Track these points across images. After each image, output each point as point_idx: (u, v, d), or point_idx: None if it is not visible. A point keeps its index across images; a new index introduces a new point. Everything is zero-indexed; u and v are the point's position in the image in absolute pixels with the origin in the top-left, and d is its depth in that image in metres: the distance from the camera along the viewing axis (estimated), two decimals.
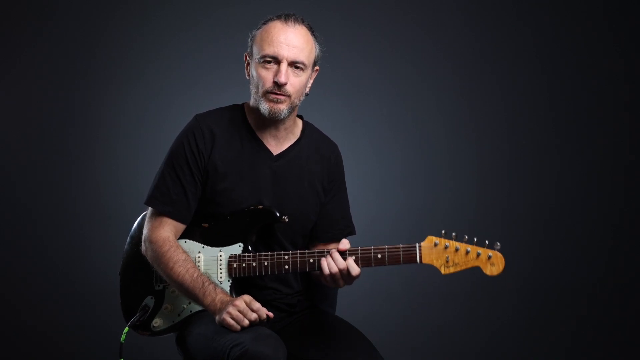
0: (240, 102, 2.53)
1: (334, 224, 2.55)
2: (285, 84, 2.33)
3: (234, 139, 2.43)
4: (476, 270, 2.26)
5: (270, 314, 2.27)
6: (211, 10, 4.03)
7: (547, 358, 4.03)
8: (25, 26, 3.97)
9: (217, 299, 2.27)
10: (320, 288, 2.57)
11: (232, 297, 2.29)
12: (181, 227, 2.41)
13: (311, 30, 2.42)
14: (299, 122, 2.52)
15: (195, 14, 4.04)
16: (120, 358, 2.37)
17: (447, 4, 4.14)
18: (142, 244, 2.41)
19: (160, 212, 2.39)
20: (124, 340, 2.37)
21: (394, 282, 4.02)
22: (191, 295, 2.32)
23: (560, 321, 4.06)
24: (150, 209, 2.43)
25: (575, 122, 4.12)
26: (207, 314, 2.34)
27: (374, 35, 4.11)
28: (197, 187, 2.40)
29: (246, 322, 2.21)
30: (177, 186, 2.39)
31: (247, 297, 2.25)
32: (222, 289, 2.31)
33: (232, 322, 2.21)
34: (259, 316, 2.24)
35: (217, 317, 2.26)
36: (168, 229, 2.38)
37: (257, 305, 2.24)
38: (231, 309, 2.22)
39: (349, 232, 2.59)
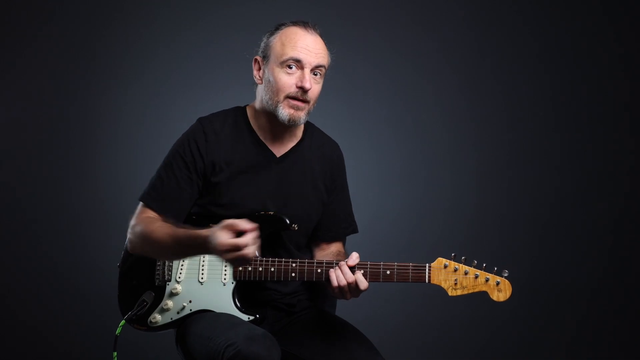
0: (239, 103, 2.53)
1: (337, 223, 2.56)
2: (310, 89, 2.34)
3: (237, 142, 2.43)
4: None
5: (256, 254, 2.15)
6: (211, 10, 4.03)
7: (547, 358, 4.03)
8: (26, 26, 3.96)
9: (195, 245, 2.20)
10: (321, 288, 2.56)
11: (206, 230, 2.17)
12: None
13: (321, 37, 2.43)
14: None
15: (195, 14, 4.03)
16: (114, 352, 2.36)
17: (447, 4, 4.14)
18: (127, 239, 2.39)
19: (148, 206, 2.39)
20: (119, 333, 2.37)
21: (394, 282, 4.00)
22: (176, 253, 2.29)
23: (560, 321, 4.06)
24: (140, 204, 2.42)
25: (575, 123, 4.12)
26: (207, 313, 2.35)
27: (374, 35, 4.11)
28: (193, 189, 2.40)
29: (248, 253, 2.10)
30: (171, 184, 2.39)
31: (221, 244, 2.10)
32: (191, 228, 2.23)
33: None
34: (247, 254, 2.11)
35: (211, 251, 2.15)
36: (150, 214, 2.38)
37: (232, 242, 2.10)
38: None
39: (352, 230, 2.60)
